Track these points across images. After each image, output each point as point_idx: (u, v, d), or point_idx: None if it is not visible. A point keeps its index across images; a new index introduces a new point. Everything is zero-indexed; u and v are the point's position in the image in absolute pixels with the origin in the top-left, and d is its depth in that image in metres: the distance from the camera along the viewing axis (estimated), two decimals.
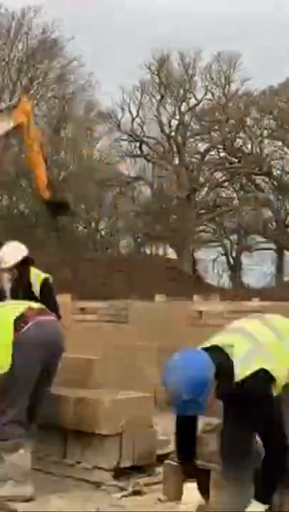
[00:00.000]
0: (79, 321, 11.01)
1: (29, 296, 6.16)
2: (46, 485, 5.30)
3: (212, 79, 42.03)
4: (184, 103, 41.92)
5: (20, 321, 5.10)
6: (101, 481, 5.29)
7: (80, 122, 40.20)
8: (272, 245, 44.67)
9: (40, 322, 5.15)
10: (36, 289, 6.38)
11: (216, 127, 41.86)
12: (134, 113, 41.54)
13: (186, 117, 42.16)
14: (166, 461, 5.10)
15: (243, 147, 43.08)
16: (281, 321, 4.50)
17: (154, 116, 41.82)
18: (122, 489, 5.20)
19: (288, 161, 43.56)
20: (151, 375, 9.78)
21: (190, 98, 41.89)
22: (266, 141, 42.99)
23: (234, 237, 45.78)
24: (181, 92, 41.82)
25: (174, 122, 41.94)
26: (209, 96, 42.08)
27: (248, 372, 4.09)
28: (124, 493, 5.13)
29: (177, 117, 41.78)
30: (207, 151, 42.16)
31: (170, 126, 41.99)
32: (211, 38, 51.13)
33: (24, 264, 6.45)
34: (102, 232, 43.78)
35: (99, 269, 30.21)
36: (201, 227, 44.16)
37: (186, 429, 4.44)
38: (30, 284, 6.38)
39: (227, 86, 42.27)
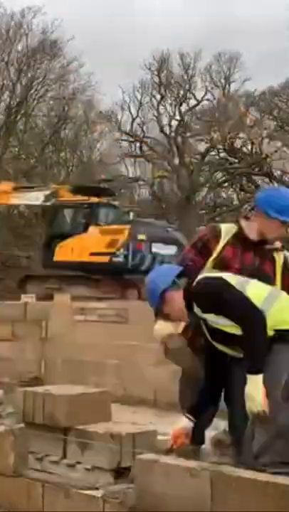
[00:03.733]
0: (79, 321, 11.01)
1: None
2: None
3: (212, 79, 42.05)
4: (184, 103, 41.92)
5: None
6: (101, 481, 5.28)
7: (80, 122, 40.16)
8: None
9: None
10: None
11: (216, 127, 41.83)
12: (134, 113, 41.58)
13: (186, 117, 42.13)
14: None
15: (243, 147, 43.06)
16: None
17: (154, 117, 41.83)
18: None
19: (288, 161, 43.52)
20: (151, 375, 9.79)
21: (190, 98, 41.90)
22: (266, 141, 42.95)
23: None
24: (181, 92, 41.81)
25: (174, 122, 41.95)
26: (209, 96, 42.12)
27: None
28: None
29: (177, 117, 41.76)
30: (207, 151, 42.12)
31: (170, 126, 41.98)
32: (211, 38, 51.21)
33: None
34: None
35: None
36: (201, 228, 44.12)
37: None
38: None
39: (227, 86, 42.29)
